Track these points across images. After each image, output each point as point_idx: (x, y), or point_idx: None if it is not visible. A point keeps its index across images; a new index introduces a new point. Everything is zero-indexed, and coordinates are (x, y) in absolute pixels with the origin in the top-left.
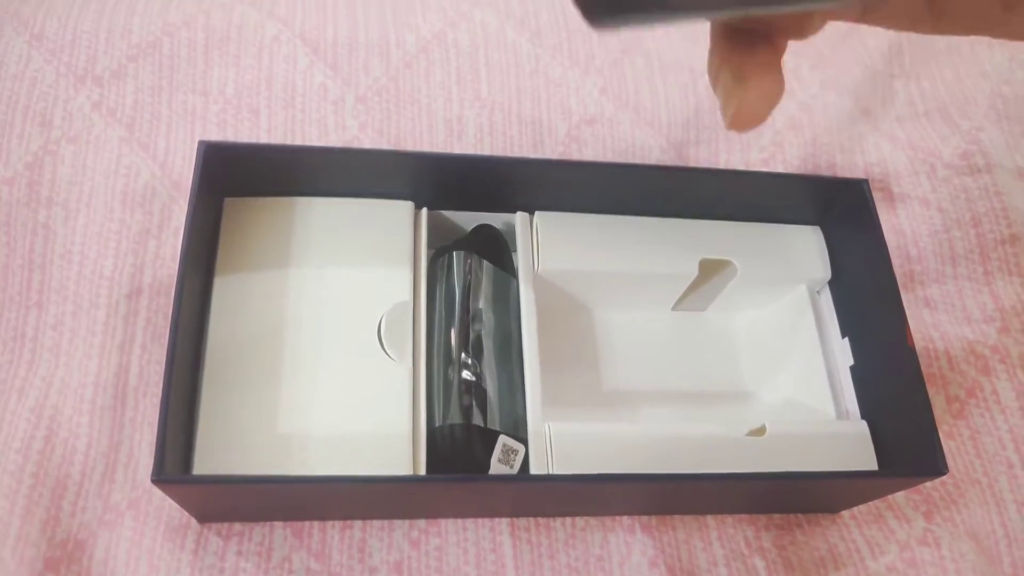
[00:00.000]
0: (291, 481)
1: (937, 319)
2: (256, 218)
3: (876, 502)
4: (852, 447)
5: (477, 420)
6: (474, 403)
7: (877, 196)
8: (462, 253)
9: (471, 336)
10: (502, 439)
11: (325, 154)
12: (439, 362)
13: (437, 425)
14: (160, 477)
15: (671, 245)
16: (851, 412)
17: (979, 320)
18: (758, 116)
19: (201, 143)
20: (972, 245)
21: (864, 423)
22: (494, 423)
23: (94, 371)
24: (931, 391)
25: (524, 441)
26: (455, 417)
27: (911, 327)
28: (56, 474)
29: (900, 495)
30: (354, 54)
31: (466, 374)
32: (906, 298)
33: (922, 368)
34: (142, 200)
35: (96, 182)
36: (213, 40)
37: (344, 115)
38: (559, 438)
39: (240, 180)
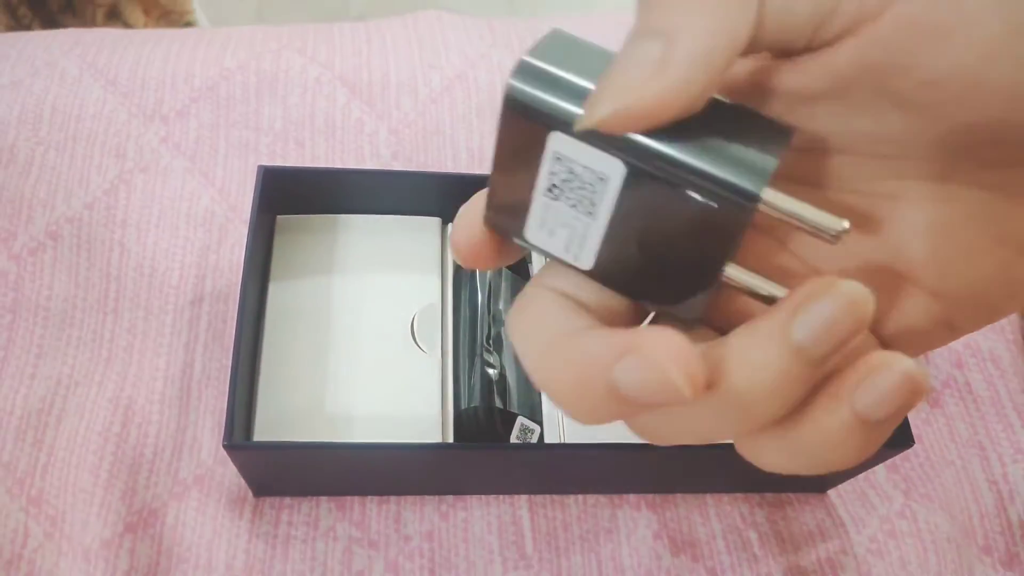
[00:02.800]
0: (340, 448)
1: None
2: (304, 233)
3: (860, 481)
4: None
5: (498, 403)
6: (495, 389)
7: None
8: None
9: (492, 332)
10: (520, 420)
11: (364, 175)
12: (464, 354)
13: (463, 408)
14: (230, 443)
15: None
16: None
17: None
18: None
19: (260, 167)
20: None
21: None
22: (512, 407)
23: (163, 367)
24: None
25: (540, 423)
26: (478, 400)
27: None
28: (132, 453)
29: (881, 476)
30: (387, 92)
31: (488, 364)
32: None
33: None
34: (203, 221)
35: (163, 206)
36: (264, 82)
37: (378, 145)
38: (571, 420)
39: (291, 200)
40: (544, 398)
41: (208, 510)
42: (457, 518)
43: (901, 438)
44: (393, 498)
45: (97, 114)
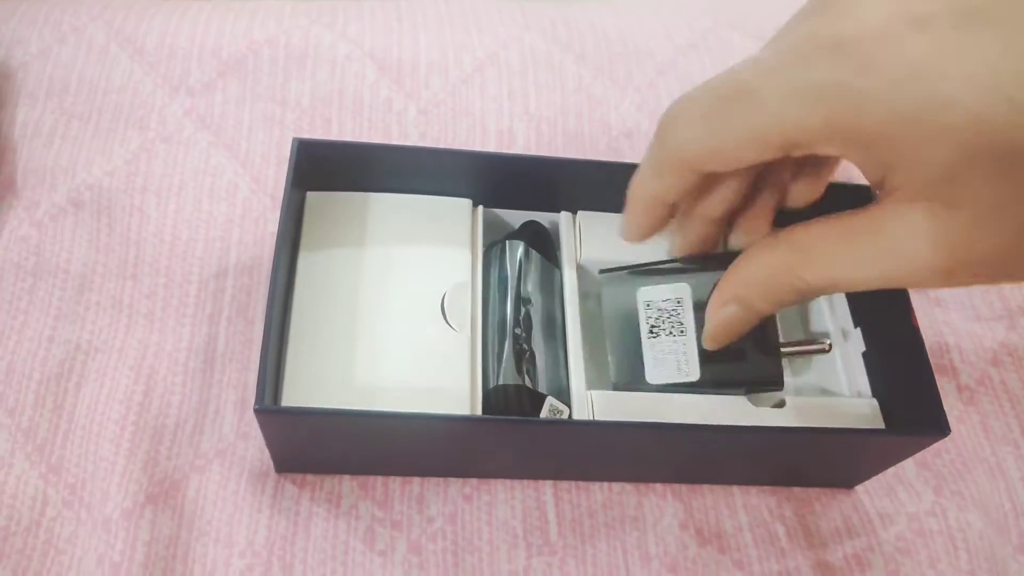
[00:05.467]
0: (373, 416)
1: (948, 316)
2: (334, 210)
3: (888, 477)
4: (864, 419)
5: (527, 383)
6: (525, 368)
7: None
8: (515, 242)
9: (522, 312)
10: (549, 400)
11: (401, 152)
12: (494, 333)
13: (492, 386)
14: (262, 407)
15: None
16: (863, 393)
17: (988, 318)
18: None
19: (294, 139)
20: None
21: (875, 400)
22: (541, 388)
23: (187, 338)
24: (943, 380)
25: (568, 405)
26: (508, 379)
27: (923, 323)
28: (153, 423)
29: (911, 471)
30: (416, 71)
31: (518, 343)
32: (918, 298)
33: (934, 360)
34: (226, 194)
35: (186, 177)
36: (292, 57)
37: (407, 125)
38: (600, 403)
39: (320, 176)
40: (573, 380)
41: (229, 484)
42: (481, 501)
43: (934, 426)
44: (416, 479)
45: (123, 86)
